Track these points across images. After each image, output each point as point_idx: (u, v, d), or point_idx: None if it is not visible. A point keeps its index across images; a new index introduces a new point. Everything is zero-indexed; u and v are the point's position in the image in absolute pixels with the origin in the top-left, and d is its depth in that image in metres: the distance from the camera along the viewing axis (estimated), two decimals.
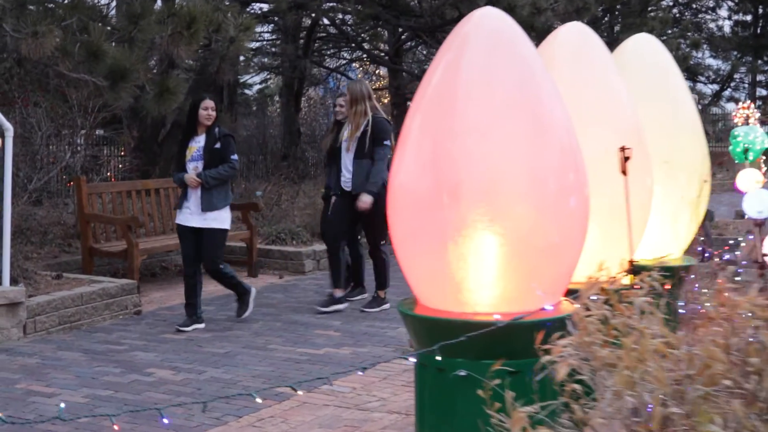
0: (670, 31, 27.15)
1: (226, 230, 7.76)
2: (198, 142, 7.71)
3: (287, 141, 18.54)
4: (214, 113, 7.73)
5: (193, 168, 7.65)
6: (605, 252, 3.96)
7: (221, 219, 7.69)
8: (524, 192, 3.60)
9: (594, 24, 16.98)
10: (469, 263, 3.62)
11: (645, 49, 5.52)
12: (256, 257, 10.29)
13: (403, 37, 19.92)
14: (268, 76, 25.73)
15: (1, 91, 10.73)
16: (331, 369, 6.51)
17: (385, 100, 23.21)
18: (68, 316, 7.76)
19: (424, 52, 21.86)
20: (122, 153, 13.09)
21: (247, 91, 25.99)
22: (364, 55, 22.55)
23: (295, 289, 9.62)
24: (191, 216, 7.66)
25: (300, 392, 5.95)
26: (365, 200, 8.05)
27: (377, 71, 25.35)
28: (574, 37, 4.71)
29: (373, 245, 8.46)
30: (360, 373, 6.37)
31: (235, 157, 7.72)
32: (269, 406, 5.62)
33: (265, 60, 18.33)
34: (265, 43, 20.43)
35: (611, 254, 4.06)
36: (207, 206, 7.59)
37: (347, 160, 8.24)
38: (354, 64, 23.19)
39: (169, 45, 8.90)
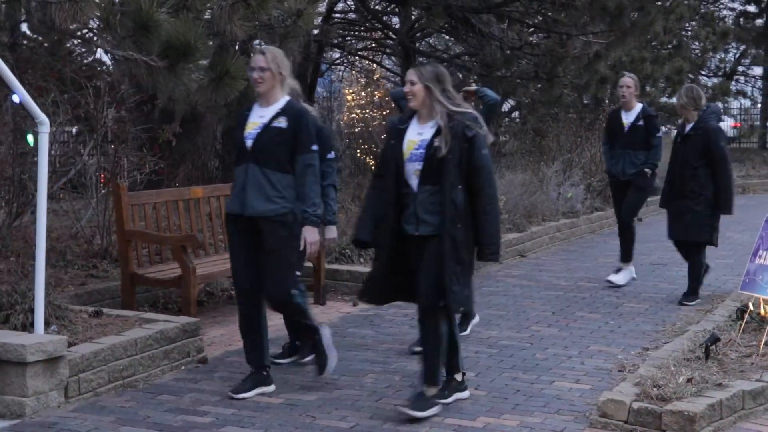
0: (693, 22, 25.61)
1: None
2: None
3: None
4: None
5: None
6: None
7: None
8: None
9: None
10: None
11: None
12: (324, 280, 8.41)
13: (416, 25, 17.98)
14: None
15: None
16: None
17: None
18: (120, 370, 5.86)
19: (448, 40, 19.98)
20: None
21: None
22: (374, 44, 20.57)
23: (382, 322, 7.73)
24: None
25: None
26: None
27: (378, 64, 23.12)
28: None
29: None
30: None
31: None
32: None
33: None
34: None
35: None
36: None
37: None
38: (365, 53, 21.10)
39: (229, 17, 7.03)
